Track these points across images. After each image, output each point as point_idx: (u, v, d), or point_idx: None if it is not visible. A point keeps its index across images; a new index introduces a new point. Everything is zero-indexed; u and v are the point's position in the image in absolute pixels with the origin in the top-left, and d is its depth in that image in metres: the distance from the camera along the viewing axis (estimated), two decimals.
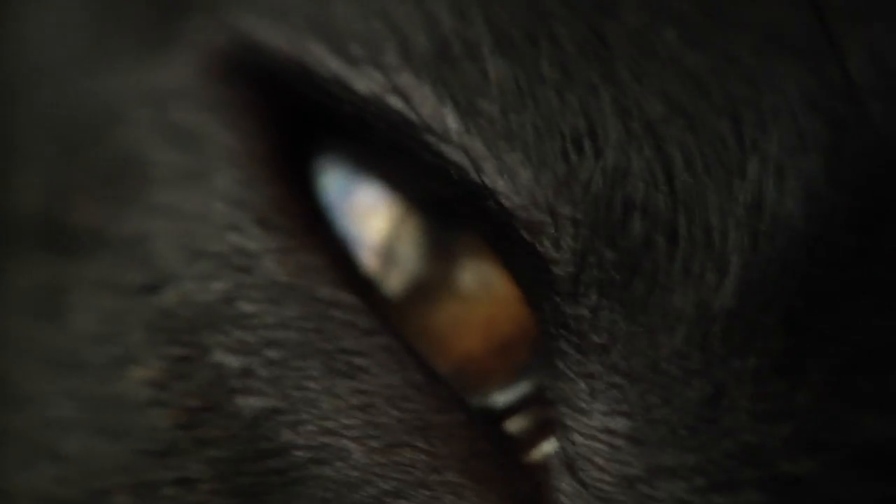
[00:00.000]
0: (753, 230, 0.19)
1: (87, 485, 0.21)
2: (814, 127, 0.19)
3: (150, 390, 0.21)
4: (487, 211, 0.20)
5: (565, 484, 0.19)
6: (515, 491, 0.20)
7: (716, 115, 0.19)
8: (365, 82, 0.21)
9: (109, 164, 0.22)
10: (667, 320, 0.19)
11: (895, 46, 0.20)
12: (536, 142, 0.20)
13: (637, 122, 0.19)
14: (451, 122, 0.20)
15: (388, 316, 0.21)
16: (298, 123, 0.22)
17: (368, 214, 0.21)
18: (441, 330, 0.21)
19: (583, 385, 0.19)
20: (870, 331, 0.19)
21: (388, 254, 0.21)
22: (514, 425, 0.20)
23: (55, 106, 0.24)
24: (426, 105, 0.20)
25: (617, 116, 0.19)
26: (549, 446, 0.20)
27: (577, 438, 0.19)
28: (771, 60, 0.20)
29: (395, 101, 0.20)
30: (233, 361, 0.20)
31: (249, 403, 0.20)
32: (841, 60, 0.20)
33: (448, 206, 0.21)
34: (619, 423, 0.19)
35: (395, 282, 0.21)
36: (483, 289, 0.21)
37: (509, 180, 0.20)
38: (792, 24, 0.20)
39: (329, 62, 0.21)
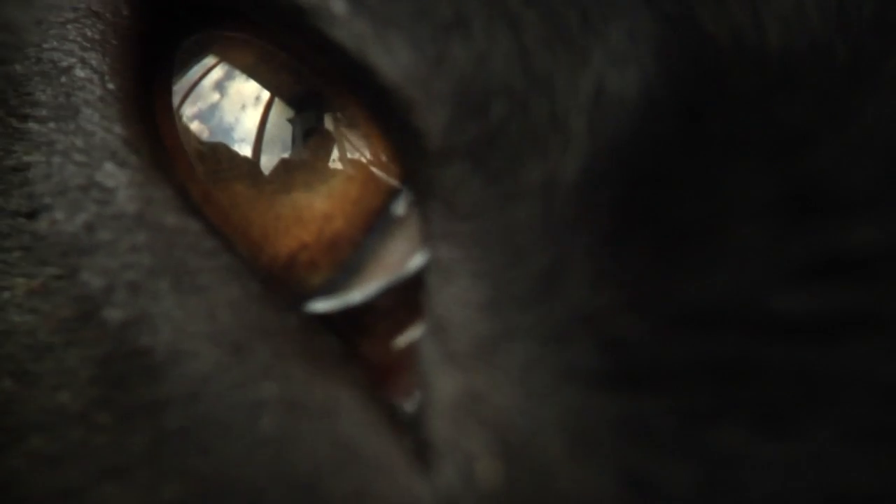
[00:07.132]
0: (594, 113, 0.20)
1: None
2: (647, 21, 0.20)
3: (31, 299, 0.22)
4: (368, 87, 0.21)
5: (429, 356, 0.21)
6: (360, 378, 0.21)
7: (565, 6, 0.20)
8: None
9: (3, 95, 0.23)
10: (518, 193, 0.20)
11: None
12: (413, 27, 0.20)
13: (498, 11, 0.20)
14: (339, 8, 0.21)
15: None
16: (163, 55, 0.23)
17: (241, 110, 0.23)
18: (286, 217, 0.22)
19: (449, 251, 0.21)
20: (689, 207, 0.20)
21: (259, 143, 0.22)
22: (372, 319, 0.22)
23: None
24: None
25: (481, 6, 0.20)
26: (409, 336, 0.21)
27: (441, 309, 0.20)
28: None
29: None
30: (97, 281, 0.22)
31: (113, 315, 0.22)
32: None
33: (310, 100, 0.22)
34: (476, 291, 0.20)
35: (267, 168, 0.22)
36: (326, 185, 0.22)
37: (391, 59, 0.20)
38: None
39: None
